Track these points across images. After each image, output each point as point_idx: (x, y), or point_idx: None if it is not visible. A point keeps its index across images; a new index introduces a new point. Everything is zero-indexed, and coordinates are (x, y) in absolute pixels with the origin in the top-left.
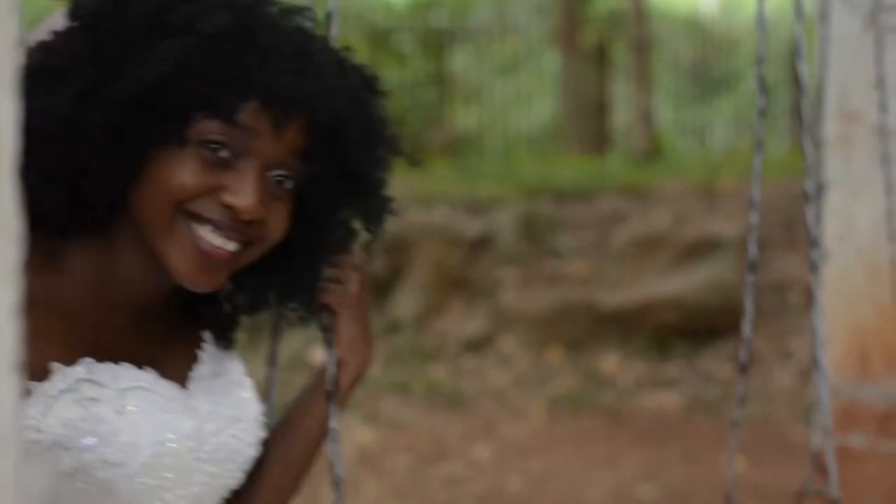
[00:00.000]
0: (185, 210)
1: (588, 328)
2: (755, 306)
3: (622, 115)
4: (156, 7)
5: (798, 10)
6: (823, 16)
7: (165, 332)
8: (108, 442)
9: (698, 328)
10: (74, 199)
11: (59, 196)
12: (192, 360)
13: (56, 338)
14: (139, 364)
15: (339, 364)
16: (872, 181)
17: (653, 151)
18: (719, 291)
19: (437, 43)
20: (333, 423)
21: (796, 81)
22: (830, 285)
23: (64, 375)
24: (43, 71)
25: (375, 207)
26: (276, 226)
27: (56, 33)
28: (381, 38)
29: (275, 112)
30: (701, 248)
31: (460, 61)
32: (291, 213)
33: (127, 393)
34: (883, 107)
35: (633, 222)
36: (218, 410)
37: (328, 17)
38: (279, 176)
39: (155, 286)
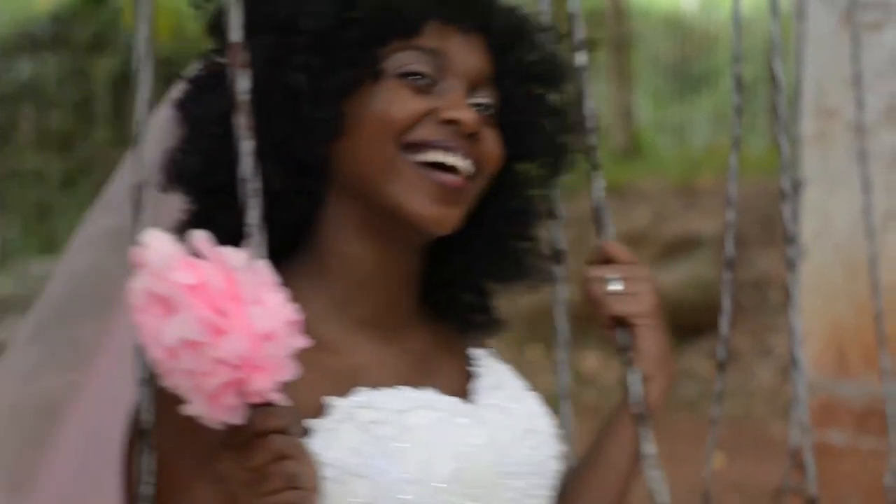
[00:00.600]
0: (406, 143)
1: (569, 326)
2: (734, 304)
3: (602, 112)
4: None
5: (774, 7)
6: (800, 13)
7: (429, 351)
8: (401, 461)
9: (678, 326)
10: (288, 171)
11: (276, 170)
12: (467, 375)
13: (323, 372)
14: (415, 385)
15: (645, 381)
16: (849, 178)
17: (633, 149)
18: (699, 289)
19: None
20: (648, 448)
21: (773, 79)
22: (808, 282)
23: (339, 407)
24: (220, 69)
25: (563, 131)
26: (493, 149)
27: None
28: None
29: (457, 25)
30: (681, 246)
31: None
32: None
33: (408, 413)
34: (860, 104)
35: (614, 220)
36: (508, 422)
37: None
38: (479, 102)
39: (385, 271)
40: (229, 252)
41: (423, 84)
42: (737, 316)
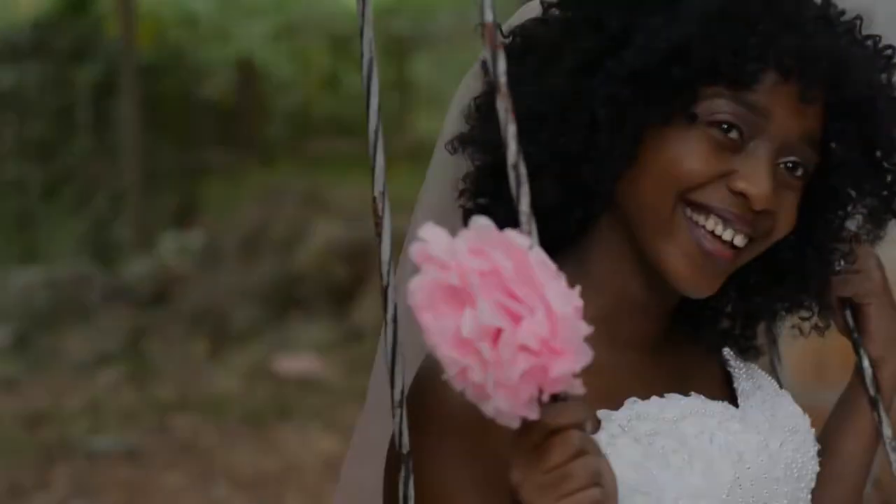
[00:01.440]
0: (688, 200)
1: None
2: None
3: None
4: None
5: None
6: None
7: (684, 358)
8: (684, 473)
9: None
10: (569, 188)
11: (554, 185)
12: (725, 377)
13: (594, 388)
14: (681, 392)
15: (877, 364)
16: None
17: None
18: None
19: (398, 49)
20: (886, 430)
21: None
22: None
23: (612, 420)
24: (532, 49)
25: None
26: (785, 219)
27: (545, 11)
28: (342, 45)
29: (797, 85)
30: None
31: (422, 68)
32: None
33: (682, 421)
34: None
35: None
36: (775, 423)
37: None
38: (791, 162)
39: (648, 301)
40: (514, 235)
41: (730, 140)
42: None
